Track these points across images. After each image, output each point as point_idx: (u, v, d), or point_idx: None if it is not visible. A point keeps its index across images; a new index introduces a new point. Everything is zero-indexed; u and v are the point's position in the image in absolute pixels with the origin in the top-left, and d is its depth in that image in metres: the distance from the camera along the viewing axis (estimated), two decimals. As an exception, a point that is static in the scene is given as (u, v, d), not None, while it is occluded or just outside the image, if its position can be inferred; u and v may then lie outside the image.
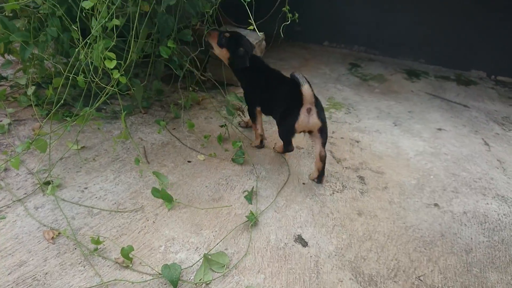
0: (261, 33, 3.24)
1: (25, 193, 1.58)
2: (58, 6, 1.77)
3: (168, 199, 1.61)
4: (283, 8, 2.52)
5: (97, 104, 1.74)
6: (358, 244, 1.57)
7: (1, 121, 2.05)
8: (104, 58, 1.63)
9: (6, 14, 2.01)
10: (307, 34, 4.76)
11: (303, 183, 1.91)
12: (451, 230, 1.73)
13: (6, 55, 2.15)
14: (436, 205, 1.90)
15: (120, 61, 1.70)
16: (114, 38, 1.65)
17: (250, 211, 1.59)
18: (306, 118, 1.78)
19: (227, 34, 2.11)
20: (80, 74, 1.69)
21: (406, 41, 4.56)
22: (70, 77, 1.69)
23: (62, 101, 1.73)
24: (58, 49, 2.17)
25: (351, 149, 2.33)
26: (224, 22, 2.85)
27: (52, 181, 1.63)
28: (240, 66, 2.08)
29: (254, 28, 1.79)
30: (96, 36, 1.65)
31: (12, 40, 1.90)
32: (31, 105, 2.21)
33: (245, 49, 2.05)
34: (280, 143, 2.09)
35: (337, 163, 2.15)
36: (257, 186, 1.84)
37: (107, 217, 1.52)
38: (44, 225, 1.43)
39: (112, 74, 1.65)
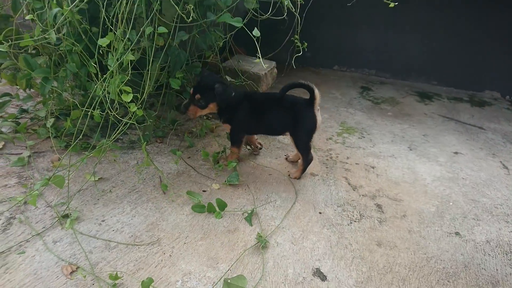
0: (273, 62, 3.31)
1: (43, 227, 1.60)
2: (77, 43, 1.85)
3: (212, 209, 1.80)
4: (292, 38, 2.58)
5: (114, 137, 1.77)
6: (378, 277, 1.53)
7: (21, 153, 2.10)
8: (121, 92, 1.68)
9: (29, 52, 2.10)
10: (317, 59, 4.82)
11: (320, 212, 1.89)
12: (474, 261, 1.67)
13: (27, 90, 2.24)
14: (457, 233, 1.85)
15: (136, 94, 1.75)
16: (129, 72, 1.70)
17: (258, 233, 1.58)
18: (320, 117, 2.06)
19: (198, 96, 2.01)
20: (97, 108, 1.74)
21: (417, 63, 4.57)
22: (89, 111, 1.74)
23: (80, 134, 1.77)
24: (77, 83, 2.24)
25: (367, 175, 2.30)
26: (237, 52, 2.91)
27: (70, 214, 1.65)
28: (227, 99, 2.01)
29: (260, 60, 1.85)
30: (113, 71, 1.71)
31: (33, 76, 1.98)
32: (50, 137, 2.27)
33: (218, 83, 1.98)
34: (292, 169, 2.10)
35: (353, 190, 2.12)
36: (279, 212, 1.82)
37: (124, 250, 1.52)
38: (63, 260, 1.44)
39: (129, 108, 1.70)
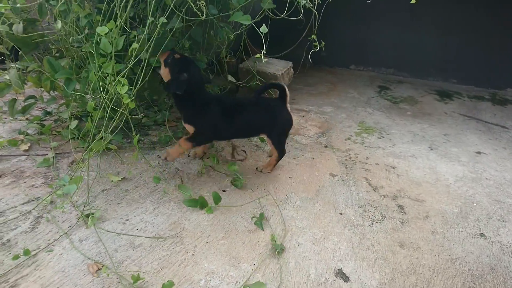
0: (290, 62, 3.30)
1: (69, 226, 1.64)
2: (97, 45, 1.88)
3: (204, 204, 1.81)
4: (309, 38, 2.57)
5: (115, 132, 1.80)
6: (402, 278, 1.51)
7: (46, 154, 2.16)
8: (117, 84, 1.65)
9: (53, 54, 2.16)
10: (333, 59, 4.79)
11: (340, 213, 1.87)
12: (501, 263, 1.63)
13: (51, 92, 2.30)
14: (482, 235, 1.81)
15: (131, 87, 1.71)
16: (128, 62, 1.69)
17: (271, 235, 1.57)
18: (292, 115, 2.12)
19: (177, 56, 1.92)
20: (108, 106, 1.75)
21: (435, 62, 4.49)
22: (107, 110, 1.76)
23: (99, 134, 1.81)
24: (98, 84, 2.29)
25: (388, 176, 2.27)
26: (253, 52, 2.92)
27: (93, 213, 1.68)
28: (172, 90, 1.87)
29: (260, 56, 1.83)
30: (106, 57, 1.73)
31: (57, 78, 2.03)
32: (73, 138, 2.33)
33: (189, 76, 1.86)
34: (261, 162, 2.19)
35: (374, 191, 2.10)
36: (284, 215, 1.82)
37: (148, 249, 1.54)
38: (89, 258, 1.47)
39: (123, 99, 1.65)
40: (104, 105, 1.75)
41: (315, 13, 2.32)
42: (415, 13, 4.20)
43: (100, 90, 1.71)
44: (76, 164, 2.10)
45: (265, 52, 1.83)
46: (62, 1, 1.83)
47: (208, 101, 1.97)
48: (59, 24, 1.78)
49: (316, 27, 2.52)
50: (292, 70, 3.33)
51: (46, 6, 2.02)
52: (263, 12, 2.19)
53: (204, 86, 2.03)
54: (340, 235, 1.72)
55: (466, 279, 1.53)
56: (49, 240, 1.55)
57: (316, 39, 2.49)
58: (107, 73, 1.69)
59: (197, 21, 2.08)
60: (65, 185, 1.68)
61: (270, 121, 2.05)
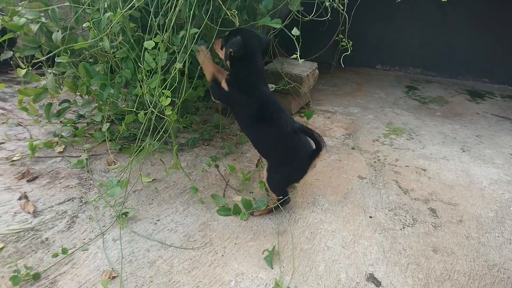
0: (315, 63, 3.28)
1: (104, 225, 1.69)
2: (131, 51, 1.94)
3: (237, 211, 1.82)
4: (337, 38, 2.54)
5: (158, 139, 1.82)
6: (436, 284, 1.46)
7: (80, 156, 2.24)
8: (161, 95, 1.70)
9: (88, 60, 2.24)
10: (358, 59, 4.68)
11: (370, 216, 1.84)
12: (543, 271, 1.55)
13: (84, 96, 2.39)
14: (521, 241, 1.73)
15: (174, 98, 1.78)
16: (171, 76, 1.74)
17: (275, 280, 1.45)
18: None
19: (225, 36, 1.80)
20: (142, 111, 1.81)
21: (465, 61, 4.34)
22: (138, 112, 1.81)
23: (135, 137, 1.86)
24: (129, 88, 2.35)
25: (418, 178, 2.21)
26: (279, 54, 2.92)
27: (126, 214, 1.72)
28: (228, 51, 1.68)
29: (297, 57, 1.79)
30: (151, 71, 1.79)
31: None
32: (105, 141, 2.40)
33: (245, 41, 1.68)
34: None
35: (405, 194, 2.05)
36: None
37: (179, 249, 1.57)
38: (123, 257, 1.51)
39: (165, 111, 1.71)
40: (151, 116, 1.78)
41: (344, 15, 2.30)
42: (445, 11, 4.08)
43: (148, 105, 1.76)
44: (110, 165, 2.17)
45: (299, 54, 1.81)
46: (95, 9, 1.90)
47: (257, 88, 1.76)
48: (106, 43, 1.83)
49: (344, 28, 2.50)
50: (317, 71, 3.31)
51: (82, 14, 2.09)
52: (292, 14, 2.20)
53: (260, 56, 1.80)
54: (370, 239, 1.69)
55: (506, 286, 1.47)
56: (84, 239, 1.61)
57: (345, 40, 2.47)
58: (152, 87, 1.76)
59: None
60: (111, 187, 1.73)
61: (288, 156, 1.75)
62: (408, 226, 1.80)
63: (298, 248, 1.61)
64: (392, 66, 4.70)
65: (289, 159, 1.74)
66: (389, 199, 2.00)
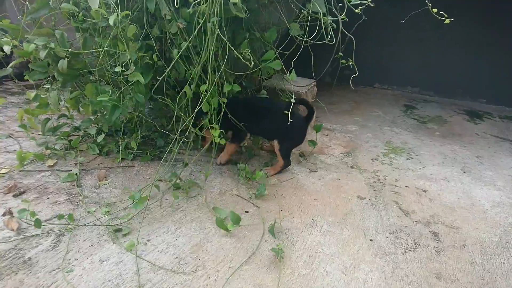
0: (313, 80, 3.25)
1: (91, 245, 1.60)
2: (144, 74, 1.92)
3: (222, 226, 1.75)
4: (337, 56, 2.53)
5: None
6: (441, 315, 1.39)
7: (71, 170, 2.16)
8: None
9: (96, 80, 2.17)
10: (356, 77, 4.71)
11: (371, 240, 1.77)
12: (552, 302, 1.48)
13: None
14: (528, 268, 1.66)
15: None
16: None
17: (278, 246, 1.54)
18: None
19: None
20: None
21: (463, 81, 4.36)
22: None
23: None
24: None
25: (419, 200, 2.15)
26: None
27: (120, 229, 1.64)
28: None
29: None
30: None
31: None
32: (99, 155, 2.34)
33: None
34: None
35: (406, 216, 1.99)
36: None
37: (170, 273, 1.48)
38: (109, 281, 1.42)
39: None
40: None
41: (340, 35, 2.31)
42: (442, 31, 4.11)
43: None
44: (106, 181, 2.10)
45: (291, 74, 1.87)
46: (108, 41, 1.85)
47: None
48: (117, 69, 1.84)
49: (343, 46, 2.49)
50: (315, 88, 3.28)
51: (91, 40, 2.06)
52: (289, 37, 2.21)
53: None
54: (371, 263, 1.61)
55: (513, 318, 1.40)
56: (69, 259, 1.51)
57: (345, 59, 2.47)
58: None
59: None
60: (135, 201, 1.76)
61: (287, 131, 2.21)
62: (410, 250, 1.72)
63: (296, 273, 1.53)
64: (390, 85, 4.70)
65: (291, 130, 2.19)
66: (389, 221, 1.93)
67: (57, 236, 1.64)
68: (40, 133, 2.47)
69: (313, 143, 2.56)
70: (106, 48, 1.80)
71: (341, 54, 2.56)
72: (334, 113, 3.67)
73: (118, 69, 1.80)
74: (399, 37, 4.35)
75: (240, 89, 2.12)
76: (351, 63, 2.51)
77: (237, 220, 1.75)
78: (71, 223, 1.71)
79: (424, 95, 4.55)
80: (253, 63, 1.79)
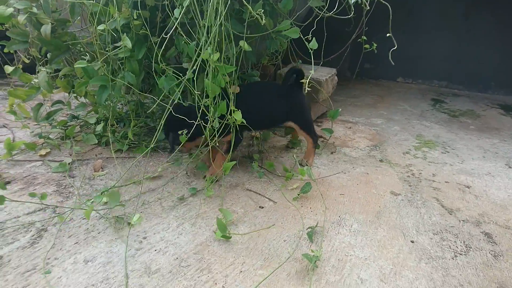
0: (333, 69, 3.00)
1: (76, 242, 1.35)
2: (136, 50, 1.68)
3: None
4: (359, 40, 2.28)
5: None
6: (514, 337, 1.07)
7: (63, 160, 1.93)
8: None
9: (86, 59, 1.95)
10: (377, 71, 4.43)
11: (412, 241, 1.46)
12: None
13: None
14: None
15: None
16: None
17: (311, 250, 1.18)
18: None
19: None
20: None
21: (496, 74, 4.01)
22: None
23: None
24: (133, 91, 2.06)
25: (463, 197, 1.84)
26: (297, 58, 2.63)
27: (126, 217, 1.38)
28: None
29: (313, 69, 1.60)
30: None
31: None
32: (96, 145, 2.11)
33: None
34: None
35: (450, 214, 1.67)
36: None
37: (167, 277, 1.21)
38: (93, 285, 1.16)
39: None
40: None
41: (364, 20, 2.07)
42: (472, 20, 3.79)
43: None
44: (102, 172, 1.86)
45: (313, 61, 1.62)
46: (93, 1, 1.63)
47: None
48: (101, 27, 1.59)
49: (361, 33, 2.27)
50: (336, 77, 3.00)
51: (79, 7, 1.85)
52: (314, 14, 1.95)
53: None
54: (415, 269, 1.31)
55: None
56: (48, 258, 1.26)
57: (365, 41, 2.24)
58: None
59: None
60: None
61: (297, 105, 1.99)
62: (460, 254, 1.41)
63: (323, 280, 1.24)
64: (414, 79, 4.38)
65: (298, 101, 1.99)
66: (431, 220, 1.62)
67: (38, 231, 1.39)
68: (36, 122, 2.26)
69: (329, 131, 2.26)
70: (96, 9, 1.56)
71: (364, 38, 2.31)
72: (357, 105, 3.38)
73: (102, 26, 1.54)
74: (424, 28, 4.05)
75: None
76: (374, 46, 2.28)
77: (223, 229, 1.39)
78: (55, 215, 1.46)
79: (453, 89, 4.21)
80: (268, 25, 1.49)
